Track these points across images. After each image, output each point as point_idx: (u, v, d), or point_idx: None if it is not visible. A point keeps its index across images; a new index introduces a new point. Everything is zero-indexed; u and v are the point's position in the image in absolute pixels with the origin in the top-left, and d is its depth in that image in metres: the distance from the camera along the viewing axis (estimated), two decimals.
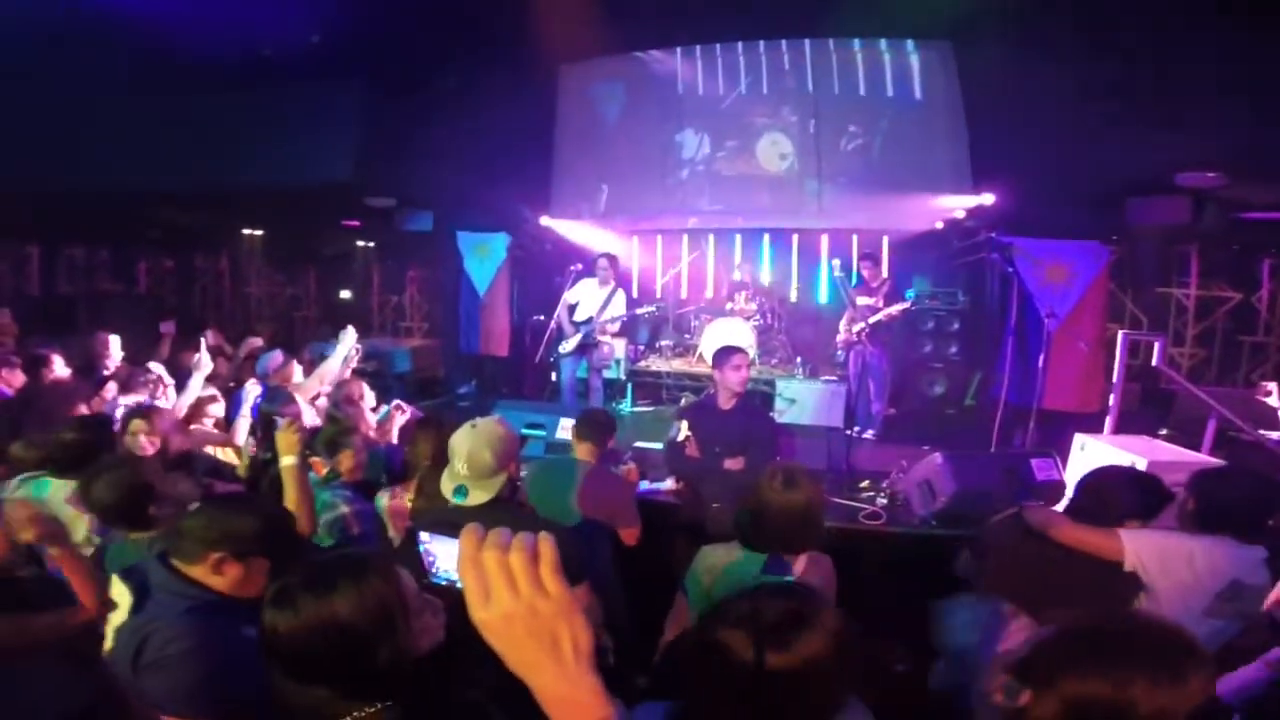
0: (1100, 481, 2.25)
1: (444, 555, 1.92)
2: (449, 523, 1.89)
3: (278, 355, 4.56)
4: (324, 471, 2.57)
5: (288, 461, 2.17)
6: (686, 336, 7.59)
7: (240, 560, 1.53)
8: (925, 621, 2.61)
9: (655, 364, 7.29)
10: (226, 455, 3.70)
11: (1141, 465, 3.14)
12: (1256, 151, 4.96)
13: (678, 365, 7.13)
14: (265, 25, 5.66)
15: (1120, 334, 4.52)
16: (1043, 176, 5.46)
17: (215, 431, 3.96)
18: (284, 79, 6.25)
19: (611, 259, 5.82)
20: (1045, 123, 5.44)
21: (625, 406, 6.91)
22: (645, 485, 3.93)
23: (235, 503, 1.80)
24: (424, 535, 1.97)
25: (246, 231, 10.58)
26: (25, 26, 5.06)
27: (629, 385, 7.02)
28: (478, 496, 1.91)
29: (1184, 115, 4.88)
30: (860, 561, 3.50)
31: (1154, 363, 4.41)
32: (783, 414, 5.96)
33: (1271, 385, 3.51)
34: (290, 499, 2.15)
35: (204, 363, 3.90)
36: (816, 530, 2.01)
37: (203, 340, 4.16)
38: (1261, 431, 4.26)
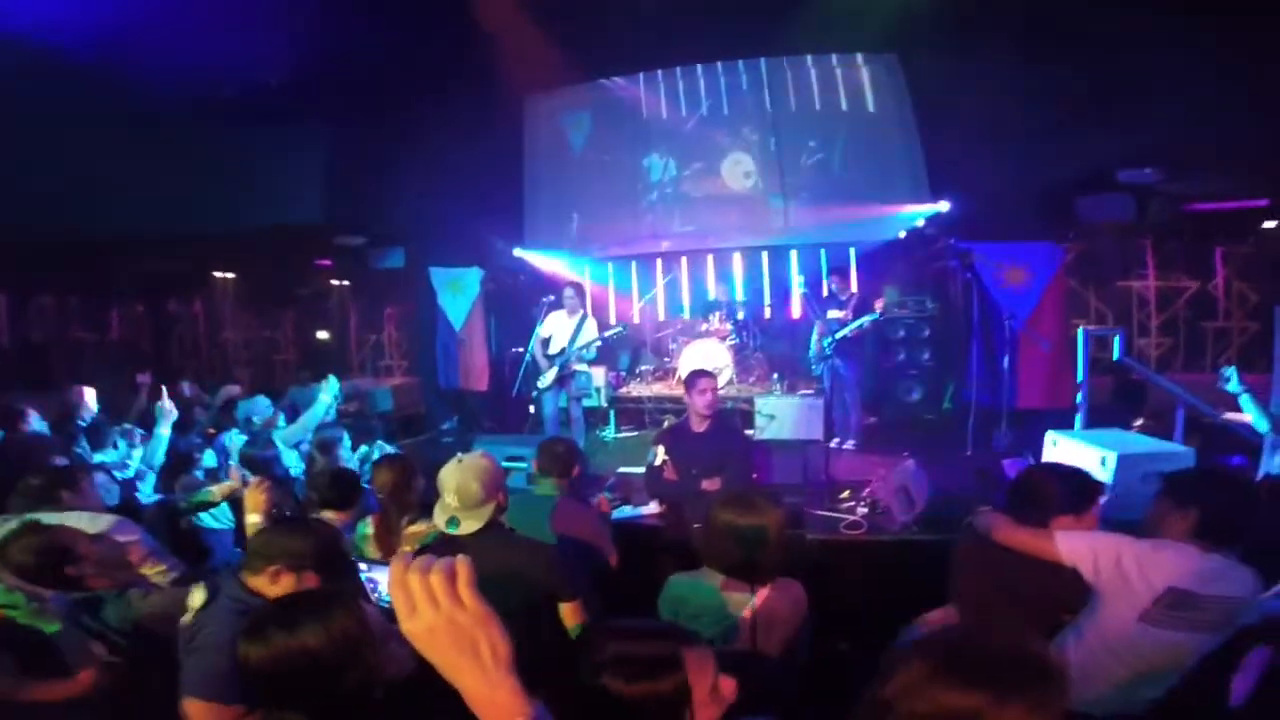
0: (1028, 480, 2.22)
1: (384, 581, 1.99)
2: (447, 550, 1.95)
3: (262, 402, 4.55)
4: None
5: (254, 519, 2.23)
6: (665, 360, 7.64)
7: (294, 573, 1.75)
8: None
9: (636, 389, 7.31)
10: None
11: (1112, 459, 3.21)
12: (1191, 147, 5.18)
13: (658, 389, 7.16)
14: (229, 67, 5.71)
15: (1081, 329, 4.64)
16: (995, 181, 5.66)
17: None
18: (250, 120, 6.29)
19: (578, 287, 5.88)
20: (993, 129, 5.65)
21: (609, 433, 6.92)
22: (629, 510, 3.96)
23: (294, 525, 2.05)
24: (363, 565, 2.16)
25: (220, 275, 10.51)
26: None
27: (611, 412, 7.04)
28: (469, 525, 2.05)
29: (1121, 115, 5.09)
30: (844, 572, 3.55)
31: (1115, 357, 4.54)
32: (763, 430, 6.00)
33: (1230, 370, 3.60)
34: None
35: (169, 410, 3.87)
36: (778, 553, 1.97)
37: (164, 389, 4.10)
38: (1227, 415, 4.37)
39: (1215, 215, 6.89)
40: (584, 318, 5.64)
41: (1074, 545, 1.94)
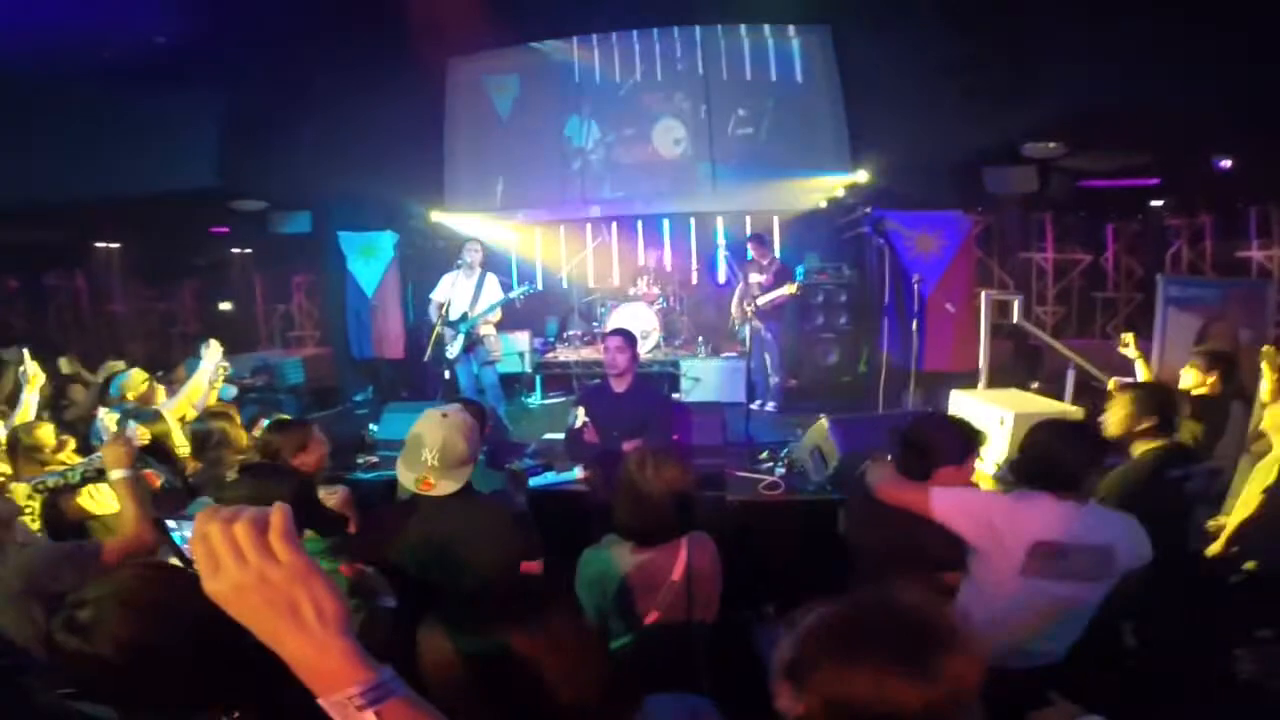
0: (914, 430, 2.19)
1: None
2: (415, 513, 1.96)
3: (133, 374, 4.15)
4: (158, 483, 2.54)
5: (117, 475, 2.02)
6: (594, 325, 7.56)
7: None
8: (827, 588, 2.70)
9: (564, 354, 7.22)
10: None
11: (1009, 416, 3.38)
12: (1090, 122, 5.46)
13: (586, 354, 7.09)
14: (111, 27, 5.16)
15: (984, 294, 4.86)
16: (911, 152, 5.81)
17: None
18: (136, 82, 5.74)
19: (478, 245, 5.49)
20: (911, 101, 5.79)
21: (535, 399, 6.80)
22: (552, 476, 3.88)
23: (269, 472, 2.14)
24: (171, 524, 2.05)
25: (102, 245, 9.60)
26: None
27: (537, 377, 6.91)
28: (446, 487, 1.90)
29: (1027, 88, 5.29)
30: (763, 531, 3.61)
31: (1014, 320, 4.78)
32: (689, 393, 6.07)
33: (1128, 337, 3.87)
34: (126, 513, 1.99)
35: (33, 375, 3.48)
36: (689, 513, 1.99)
37: (25, 353, 3.67)
38: (1118, 379, 4.71)
39: (1109, 192, 7.37)
40: (483, 275, 5.35)
41: (947, 505, 1.94)
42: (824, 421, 3.67)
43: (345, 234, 7.08)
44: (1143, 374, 3.79)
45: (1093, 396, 4.64)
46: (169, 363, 7.08)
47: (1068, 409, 3.73)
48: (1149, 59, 4.99)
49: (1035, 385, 5.21)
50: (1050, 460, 1.94)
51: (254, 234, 8.33)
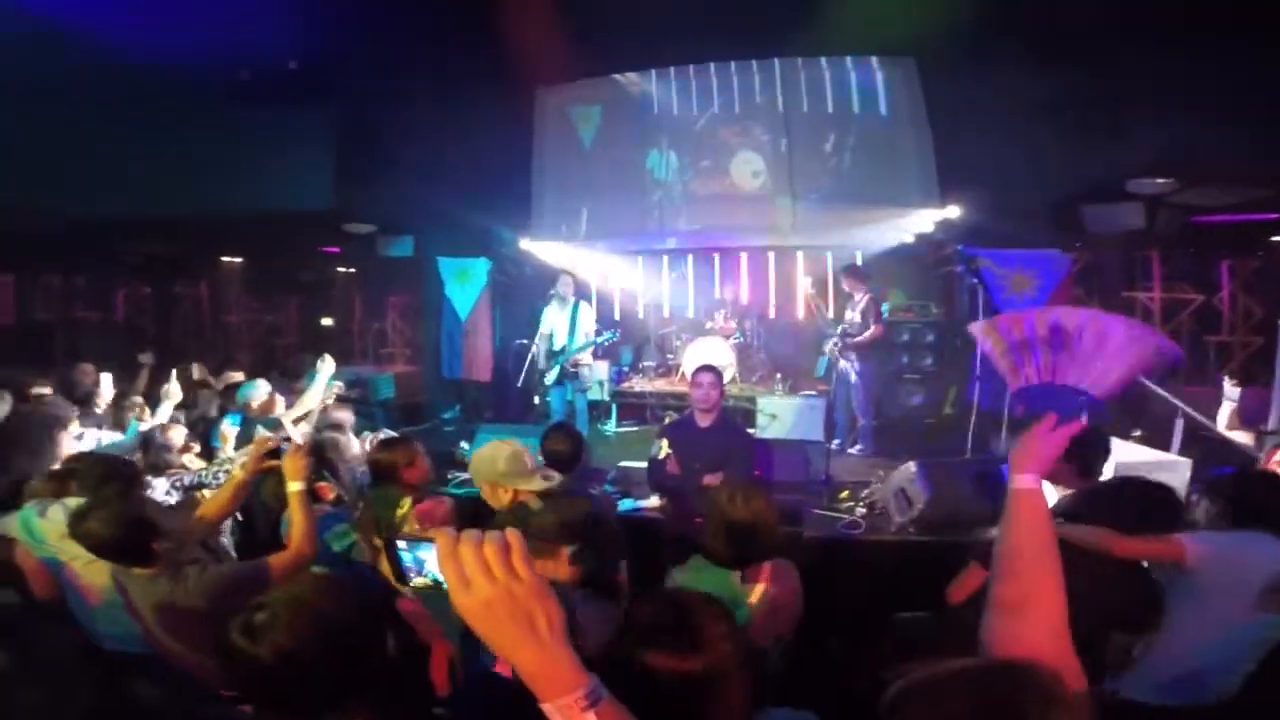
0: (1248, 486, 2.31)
1: (431, 559, 2.00)
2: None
3: (259, 384, 4.56)
4: (331, 495, 2.64)
5: (295, 487, 2.16)
6: (669, 357, 7.66)
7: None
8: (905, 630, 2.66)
9: (639, 384, 7.34)
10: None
11: (1109, 468, 3.23)
12: (1202, 156, 5.16)
13: (661, 385, 7.19)
14: (242, 50, 5.69)
15: None
16: (1004, 188, 5.64)
17: None
18: (262, 104, 6.26)
19: (570, 276, 5.86)
20: (1004, 135, 5.63)
21: (610, 427, 6.95)
22: (630, 503, 3.99)
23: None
24: (401, 544, 2.08)
25: (225, 259, 10.53)
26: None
27: (613, 406, 7.06)
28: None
29: (1131, 123, 5.07)
30: (840, 571, 3.57)
31: None
32: (764, 429, 6.03)
33: (1226, 383, 3.63)
34: (296, 523, 2.14)
35: (174, 392, 3.90)
36: (770, 540, 2.09)
37: (173, 372, 4.15)
38: (1225, 430, 4.38)
39: (1223, 227, 6.89)
40: (576, 305, 5.63)
41: (1200, 550, 2.04)
42: (911, 465, 3.62)
43: (444, 259, 7.51)
44: None
45: (1202, 448, 4.35)
46: (269, 374, 7.69)
47: (1176, 460, 3.53)
48: (1267, 88, 4.71)
49: (1136, 434, 4.91)
50: (1267, 504, 2.13)
51: (362, 255, 8.92)
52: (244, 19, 5.24)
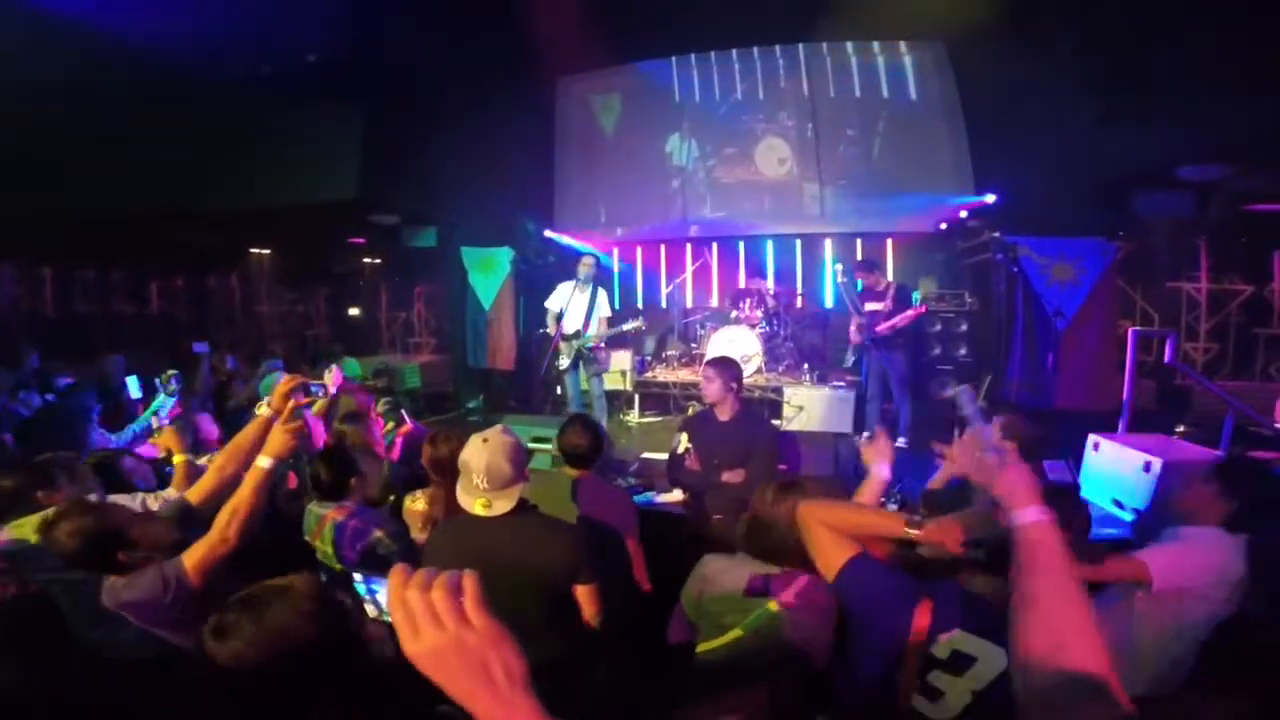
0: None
1: (384, 593, 1.94)
2: (476, 533, 1.99)
3: (281, 377, 4.59)
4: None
5: (264, 463, 1.91)
6: (692, 346, 7.56)
7: None
8: None
9: (662, 374, 7.26)
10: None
11: (1156, 464, 3.09)
12: (1260, 142, 4.89)
13: (684, 375, 7.09)
14: (267, 44, 5.72)
15: (1130, 331, 4.45)
16: (1044, 173, 5.42)
17: None
18: (289, 98, 6.31)
19: (594, 260, 5.70)
20: (1043, 119, 5.41)
21: (632, 417, 6.90)
22: (651, 496, 3.93)
23: None
24: (357, 576, 2.07)
25: (255, 251, 10.71)
26: (34, 50, 5.14)
27: (636, 396, 7.00)
28: (500, 506, 1.97)
29: (1183, 107, 4.82)
30: None
31: (1166, 360, 4.35)
32: (791, 421, 5.92)
33: None
34: (237, 504, 1.85)
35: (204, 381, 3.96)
36: (798, 544, 1.90)
37: (204, 360, 4.21)
38: None
39: (1278, 216, 6.55)
40: (595, 290, 5.50)
41: (1164, 564, 2.08)
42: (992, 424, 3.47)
43: (467, 249, 7.52)
44: None
45: (1250, 443, 4.15)
46: (302, 362, 7.81)
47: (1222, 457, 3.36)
48: None
49: (1180, 429, 4.72)
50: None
51: (387, 246, 8.99)
52: (270, 13, 5.26)
